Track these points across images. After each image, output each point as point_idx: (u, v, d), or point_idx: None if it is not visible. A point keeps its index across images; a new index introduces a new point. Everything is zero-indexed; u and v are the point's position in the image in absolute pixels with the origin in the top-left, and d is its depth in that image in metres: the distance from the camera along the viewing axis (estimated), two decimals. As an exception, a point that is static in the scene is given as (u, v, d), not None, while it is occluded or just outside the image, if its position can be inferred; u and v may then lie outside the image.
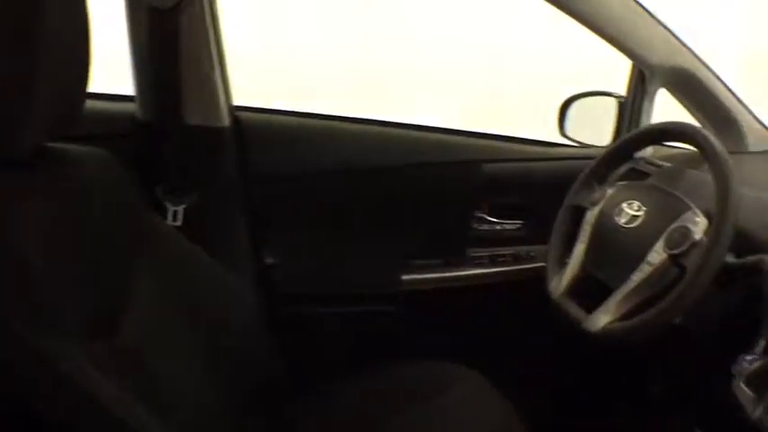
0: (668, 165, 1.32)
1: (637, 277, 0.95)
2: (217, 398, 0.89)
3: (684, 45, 1.34)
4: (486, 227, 1.46)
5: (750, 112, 1.45)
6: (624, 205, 1.02)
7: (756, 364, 0.88)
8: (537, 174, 1.46)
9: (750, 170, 1.30)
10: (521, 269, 1.45)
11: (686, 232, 0.92)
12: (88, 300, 0.69)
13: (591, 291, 1.03)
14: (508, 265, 1.46)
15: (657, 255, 0.93)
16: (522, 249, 1.46)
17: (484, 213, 1.46)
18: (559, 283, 1.08)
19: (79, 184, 0.75)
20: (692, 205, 0.97)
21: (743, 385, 0.92)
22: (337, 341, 1.40)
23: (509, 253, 1.46)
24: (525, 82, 2.82)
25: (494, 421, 1.06)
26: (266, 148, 1.36)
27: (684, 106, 1.44)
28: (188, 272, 0.94)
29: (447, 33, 2.96)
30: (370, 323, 1.40)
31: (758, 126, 1.47)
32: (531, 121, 1.72)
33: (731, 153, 1.39)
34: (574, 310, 1.03)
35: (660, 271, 0.93)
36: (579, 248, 1.07)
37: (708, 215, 0.93)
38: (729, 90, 1.40)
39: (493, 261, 1.46)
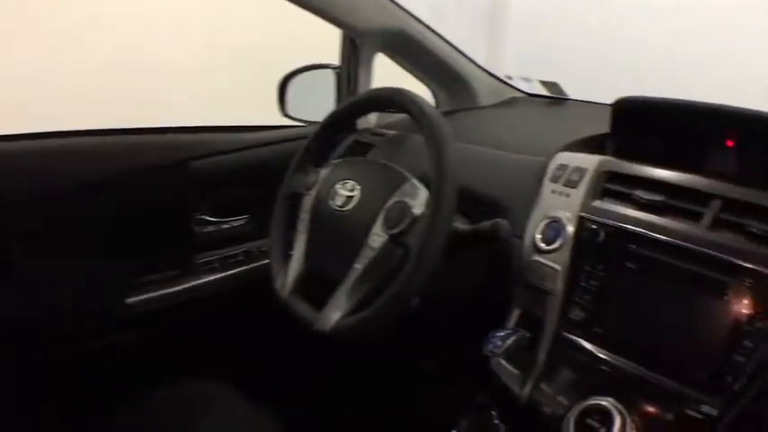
0: (392, 133, 1.25)
1: (361, 265, 0.85)
2: None
3: (398, 6, 1.26)
4: (211, 228, 1.29)
5: (479, 66, 1.43)
6: (338, 186, 0.91)
7: (512, 339, 0.84)
8: (255, 162, 1.31)
9: (485, 126, 1.29)
10: (254, 268, 1.31)
11: (404, 207, 0.83)
12: None
13: (321, 285, 0.91)
14: (242, 266, 1.31)
15: (378, 237, 0.84)
16: (253, 245, 1.32)
17: (205, 214, 1.28)
18: (285, 282, 0.95)
19: None
20: (410, 176, 0.88)
21: (504, 362, 0.89)
22: (88, 380, 1.19)
23: (240, 252, 1.31)
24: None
25: None
26: None
27: (406, 69, 1.38)
28: None
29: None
30: (114, 355, 1.22)
31: (489, 79, 1.46)
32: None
33: (465, 110, 1.40)
34: (304, 309, 0.91)
35: (383, 254, 0.84)
36: (300, 240, 0.95)
37: (428, 185, 0.84)
38: (453, 47, 1.37)
39: (224, 264, 1.30)
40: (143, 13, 2.28)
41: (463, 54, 1.39)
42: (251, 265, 1.31)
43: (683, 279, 0.78)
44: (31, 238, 1.11)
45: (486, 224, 0.87)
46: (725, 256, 0.75)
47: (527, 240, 0.92)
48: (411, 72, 1.38)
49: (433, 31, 1.33)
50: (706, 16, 2.59)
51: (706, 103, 0.88)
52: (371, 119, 1.36)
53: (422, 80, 1.40)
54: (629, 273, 0.82)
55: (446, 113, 1.40)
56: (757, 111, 0.83)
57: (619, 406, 0.75)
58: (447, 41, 1.36)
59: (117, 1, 2.28)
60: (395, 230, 0.82)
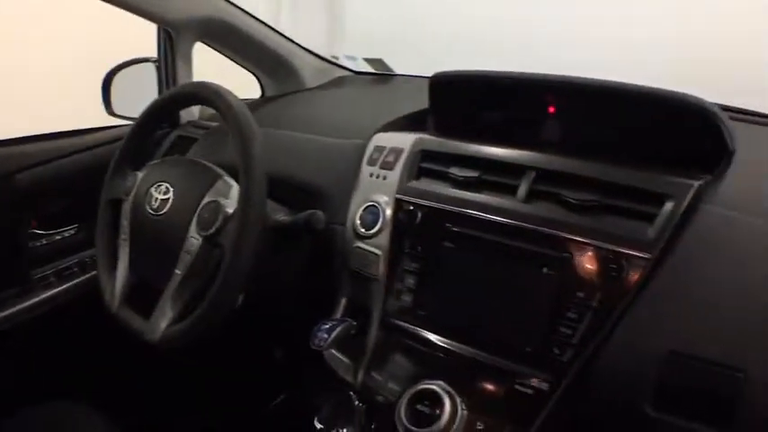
0: (215, 125, 1.22)
1: (180, 270, 0.83)
2: None
3: None
4: (44, 241, 1.21)
5: (302, 47, 1.42)
6: (152, 190, 0.89)
7: (338, 330, 0.83)
8: (77, 167, 1.22)
9: (309, 109, 1.27)
10: (89, 278, 1.24)
11: (217, 207, 0.82)
12: None
13: (147, 294, 0.88)
14: (77, 277, 1.24)
15: (194, 240, 0.83)
16: (85, 255, 1.25)
17: (34, 228, 1.20)
18: (114, 293, 0.92)
19: None
20: (223, 173, 0.87)
21: (335, 352, 0.88)
22: None
23: (74, 263, 1.24)
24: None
25: None
26: None
27: (228, 57, 1.35)
28: None
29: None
30: None
31: (314, 59, 1.45)
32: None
33: (290, 94, 1.38)
34: (133, 320, 0.88)
35: (201, 257, 0.82)
36: (124, 249, 0.92)
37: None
38: (275, 30, 1.35)
39: (60, 277, 1.23)
40: None
41: (285, 37, 1.38)
42: (86, 276, 1.25)
43: (503, 255, 0.77)
44: None
45: (302, 215, 0.87)
46: (541, 228, 0.74)
47: (348, 227, 0.91)
48: (233, 59, 1.36)
49: (251, 15, 1.30)
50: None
51: (522, 72, 0.86)
52: (194, 111, 1.32)
53: (245, 67, 1.38)
54: (448, 252, 0.82)
55: (270, 99, 1.40)
56: (574, 77, 0.82)
57: (448, 388, 0.75)
58: (267, 25, 1.34)
59: None
60: (209, 231, 0.81)
